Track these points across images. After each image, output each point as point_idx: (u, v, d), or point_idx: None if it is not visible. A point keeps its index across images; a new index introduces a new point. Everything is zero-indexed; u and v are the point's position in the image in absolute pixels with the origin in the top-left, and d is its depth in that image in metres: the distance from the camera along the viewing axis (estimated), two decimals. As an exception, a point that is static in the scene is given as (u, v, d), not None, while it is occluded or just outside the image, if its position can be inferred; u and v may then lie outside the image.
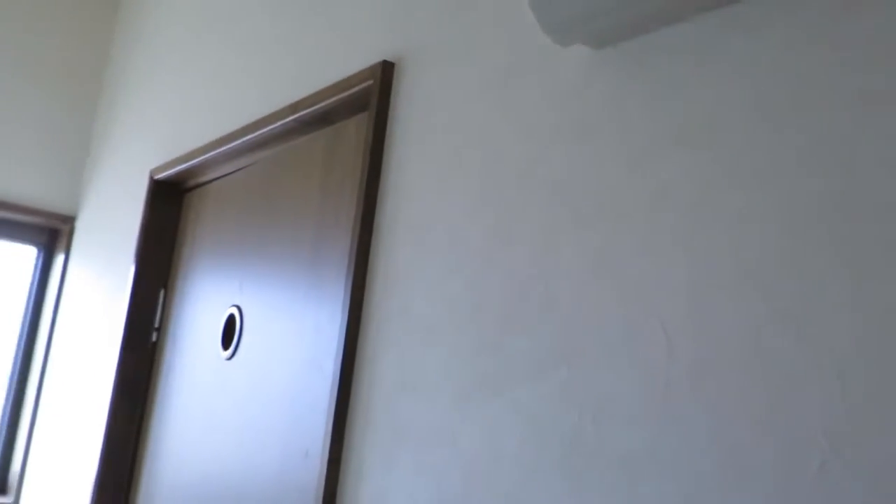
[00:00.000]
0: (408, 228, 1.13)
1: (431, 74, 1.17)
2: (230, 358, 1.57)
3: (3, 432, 2.55)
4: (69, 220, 2.60)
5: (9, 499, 2.45)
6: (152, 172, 2.00)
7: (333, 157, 1.41)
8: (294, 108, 1.46)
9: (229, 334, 1.60)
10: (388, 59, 1.26)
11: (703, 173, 0.77)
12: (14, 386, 2.59)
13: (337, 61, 1.40)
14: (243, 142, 1.63)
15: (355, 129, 1.36)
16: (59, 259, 2.61)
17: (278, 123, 1.51)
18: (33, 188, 2.56)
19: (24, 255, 2.65)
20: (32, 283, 2.64)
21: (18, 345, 2.61)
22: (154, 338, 1.94)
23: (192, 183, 1.94)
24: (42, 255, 2.67)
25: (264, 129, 1.55)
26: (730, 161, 0.75)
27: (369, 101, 1.29)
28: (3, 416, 2.57)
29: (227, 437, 1.50)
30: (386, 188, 1.20)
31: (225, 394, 1.55)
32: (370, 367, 1.13)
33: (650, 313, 0.78)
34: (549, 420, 0.86)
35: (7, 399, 2.58)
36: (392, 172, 1.20)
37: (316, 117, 1.44)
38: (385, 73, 1.24)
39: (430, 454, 1.00)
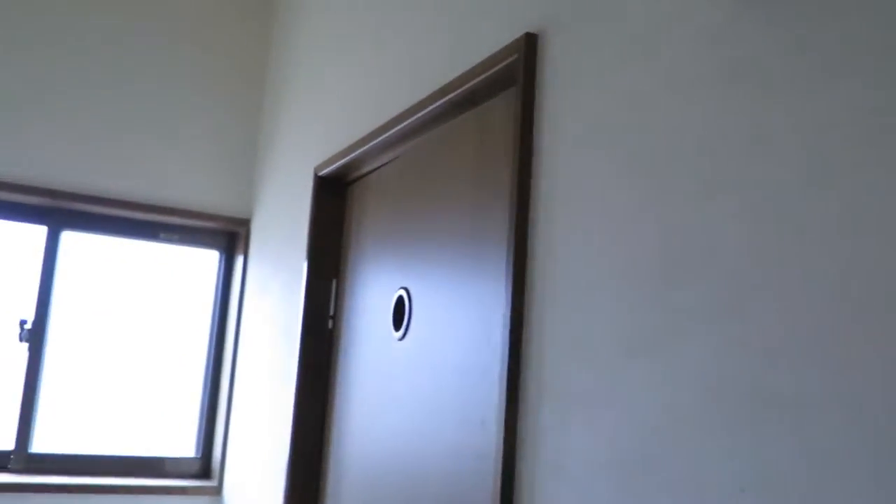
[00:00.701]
0: (565, 194, 1.14)
1: (575, 40, 1.17)
2: (402, 338, 1.64)
3: (204, 422, 2.79)
4: (245, 223, 2.79)
5: (213, 482, 2.68)
6: (316, 169, 2.11)
7: (483, 136, 1.44)
8: (443, 91, 1.50)
9: (399, 315, 1.67)
10: (531, 30, 1.27)
11: (865, 103, 0.73)
12: (209, 380, 2.82)
13: (480, 40, 1.42)
14: (397, 130, 1.69)
15: (504, 106, 1.38)
16: (239, 260, 2.81)
17: (428, 109, 1.55)
18: (211, 196, 2.77)
19: (208, 259, 2.88)
20: (217, 284, 2.87)
21: (210, 342, 2.84)
22: (330, 325, 2.05)
23: (353, 176, 2.03)
24: (224, 257, 2.88)
25: (415, 116, 1.60)
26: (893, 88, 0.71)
27: (515, 75, 1.31)
28: (202, 407, 2.80)
29: (403, 412, 1.57)
30: (539, 159, 1.22)
31: (399, 372, 1.63)
32: (538, 334, 1.15)
33: (823, 255, 0.76)
34: (723, 372, 0.85)
35: (204, 392, 2.81)
36: (545, 142, 1.21)
37: (463, 99, 1.47)
38: (529, 46, 1.26)
39: (604, 415, 1.01)
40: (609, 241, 1.04)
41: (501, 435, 1.17)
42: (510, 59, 1.30)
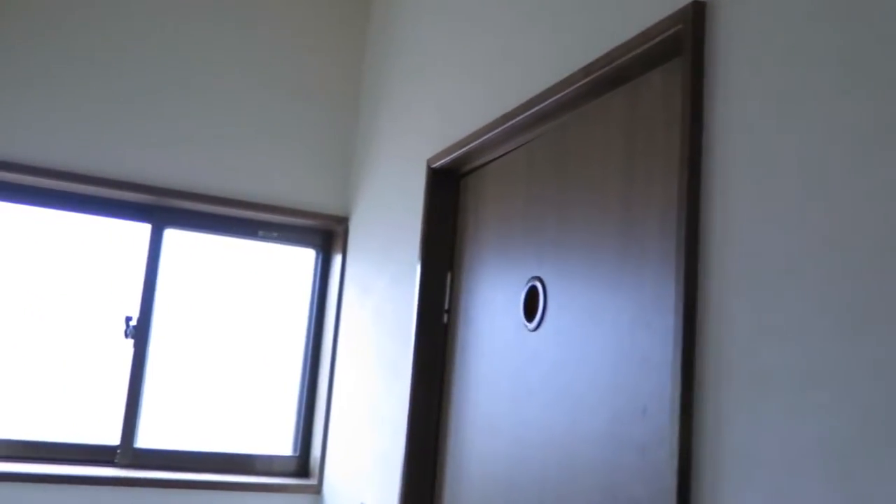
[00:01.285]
0: (748, 166, 1.08)
1: (747, 4, 1.11)
2: (535, 329, 1.58)
3: (301, 420, 2.77)
4: (343, 221, 2.78)
5: (313, 480, 2.65)
6: (429, 162, 2.08)
7: (635, 114, 1.38)
8: (587, 70, 1.45)
9: (532, 306, 1.61)
10: (698, -1, 1.21)
11: None
12: (307, 378, 2.80)
13: (634, 13, 1.37)
14: (527, 116, 1.65)
15: (661, 81, 1.33)
16: (337, 258, 2.79)
17: (569, 90, 1.50)
18: (309, 194, 2.76)
19: (304, 257, 2.87)
20: (314, 282, 2.86)
21: (307, 340, 2.82)
22: (445, 319, 2.01)
23: (469, 167, 1.99)
24: (320, 255, 2.87)
25: (551, 99, 1.56)
26: None
27: (679, 47, 1.26)
28: (299, 405, 2.79)
29: (540, 404, 1.52)
30: (712, 132, 1.15)
31: (533, 364, 1.57)
32: (717, 316, 1.09)
33: None
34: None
35: (301, 390, 2.80)
36: (717, 114, 1.15)
37: (611, 76, 1.42)
38: (696, 15, 1.20)
39: (809, 396, 0.94)
40: (806, 212, 0.98)
41: (676, 423, 1.10)
42: (672, 31, 1.24)
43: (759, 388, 1.00)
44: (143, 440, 2.60)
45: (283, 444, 2.77)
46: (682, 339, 1.12)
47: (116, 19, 2.59)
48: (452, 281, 2.02)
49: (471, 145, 1.86)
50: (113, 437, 2.57)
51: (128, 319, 2.61)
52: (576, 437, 1.40)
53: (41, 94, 2.48)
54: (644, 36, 1.30)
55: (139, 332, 2.61)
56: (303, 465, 2.75)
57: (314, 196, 2.77)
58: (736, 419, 1.03)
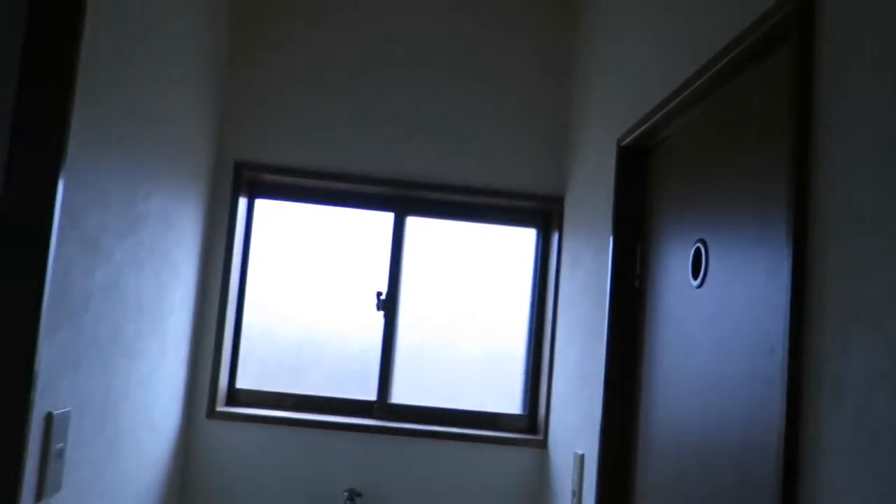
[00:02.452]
0: (856, 141, 1.19)
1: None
2: (699, 286, 1.74)
3: (528, 382, 3.08)
4: (559, 201, 3.04)
5: (539, 436, 2.95)
6: (618, 140, 2.27)
7: (766, 93, 1.50)
8: (725, 50, 1.58)
9: (696, 265, 1.77)
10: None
11: None
12: (532, 344, 3.10)
13: (762, -7, 1.49)
14: (689, 93, 1.79)
15: (786, 62, 1.44)
16: (555, 235, 3.06)
17: (713, 69, 1.64)
18: (528, 178, 3.05)
19: (526, 236, 3.17)
20: (535, 258, 3.15)
21: (531, 310, 3.12)
22: (636, 284, 2.20)
23: (653, 142, 2.16)
24: (540, 234, 3.16)
25: (703, 78, 1.70)
26: None
27: (800, 25, 1.37)
28: (525, 369, 3.10)
29: (701, 352, 1.68)
30: (821, 106, 1.26)
31: (696, 318, 1.73)
32: (822, 266, 1.21)
33: None
34: None
35: (527, 355, 3.11)
36: (827, 92, 1.26)
37: (745, 54, 1.54)
38: (806, -11, 1.31)
39: (887, 328, 1.05)
40: None
41: (786, 358, 1.24)
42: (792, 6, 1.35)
43: (850, 324, 1.12)
44: (396, 397, 3.07)
45: (512, 404, 3.10)
46: (791, 287, 1.25)
47: (358, 37, 3.07)
48: (642, 249, 2.20)
49: (650, 122, 2.03)
50: (371, 394, 3.07)
51: (378, 294, 3.08)
52: (724, 376, 1.55)
53: (307, 112, 3.02)
54: (766, 15, 1.42)
55: (388, 305, 3.08)
56: (531, 422, 3.06)
57: (533, 179, 3.06)
58: (831, 352, 1.16)
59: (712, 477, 1.57)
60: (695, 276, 1.78)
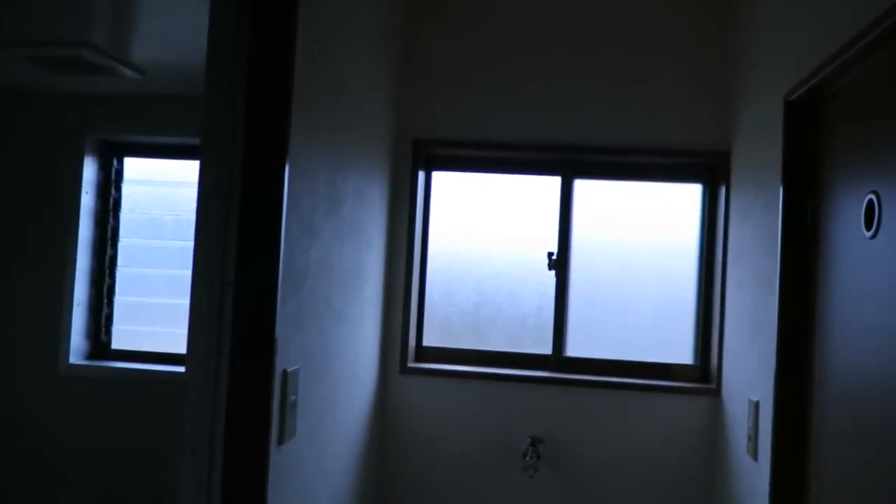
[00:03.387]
0: None
1: None
2: (873, 237, 1.79)
3: (699, 333, 3.16)
4: (725, 156, 3.07)
5: (712, 385, 3.04)
6: (785, 95, 2.30)
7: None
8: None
9: (870, 216, 1.81)
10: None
11: None
12: (701, 296, 3.18)
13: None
14: (872, 38, 1.80)
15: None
16: (721, 190, 3.10)
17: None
18: (692, 134, 3.10)
19: (692, 193, 3.23)
20: (702, 213, 3.20)
21: (699, 263, 3.19)
22: (808, 235, 2.24)
23: (822, 95, 2.18)
24: (706, 189, 3.20)
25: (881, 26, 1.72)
26: None
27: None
28: (696, 320, 3.18)
29: (873, 300, 1.73)
30: None
31: (869, 267, 1.78)
32: None
33: None
34: None
35: (698, 307, 3.19)
36: None
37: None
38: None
39: None
40: None
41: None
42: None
43: None
44: (570, 350, 3.25)
45: (684, 355, 3.20)
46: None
47: (526, 27, 3.21)
48: (812, 202, 2.24)
49: (821, 76, 2.06)
50: (546, 349, 3.26)
51: (550, 255, 3.26)
52: (893, 322, 1.61)
53: (474, 87, 3.21)
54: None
55: (559, 264, 3.25)
56: (703, 371, 3.15)
57: (698, 136, 3.11)
58: None
59: (891, 425, 1.64)
60: (868, 227, 1.82)
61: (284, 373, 1.97)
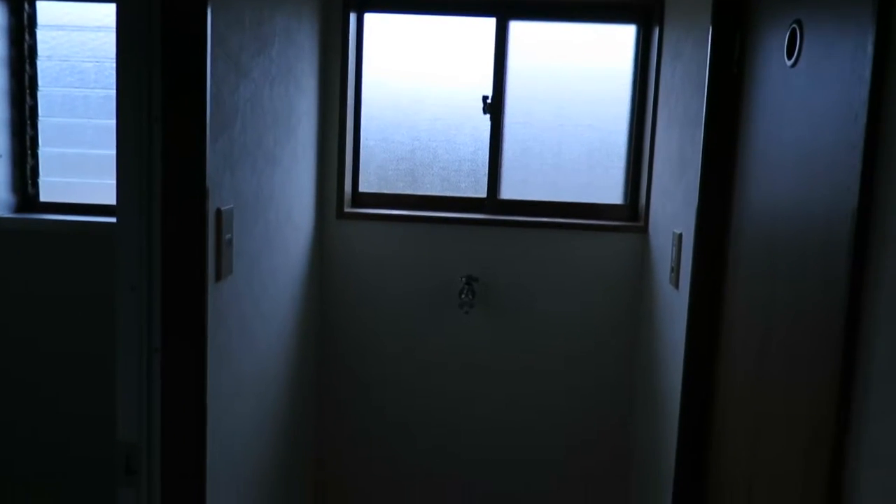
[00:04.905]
0: None
1: None
2: (793, 65, 1.84)
3: (629, 175, 3.25)
4: (658, -5, 3.06)
5: (640, 223, 3.16)
6: (717, -74, 2.27)
7: None
8: None
9: (791, 45, 1.85)
10: None
11: None
12: (632, 138, 3.24)
13: None
14: None
15: None
16: (655, 31, 3.10)
17: None
18: (627, -27, 3.06)
19: (626, 34, 3.22)
20: (636, 54, 3.22)
21: (631, 105, 3.24)
22: (735, 70, 2.29)
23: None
24: (640, 31, 3.20)
25: None
26: None
27: None
28: (627, 163, 3.25)
29: (791, 127, 1.81)
30: None
31: (789, 95, 1.84)
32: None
33: None
34: None
35: (628, 149, 3.25)
36: None
37: None
38: None
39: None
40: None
41: (866, 123, 1.37)
42: None
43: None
44: (504, 193, 3.31)
45: (615, 195, 3.30)
46: (873, 56, 1.36)
47: None
48: (740, 37, 2.26)
49: None
50: (481, 192, 3.32)
51: (485, 98, 3.25)
52: (814, 148, 1.68)
53: (402, -81, 3.08)
54: None
55: (494, 109, 3.25)
56: (632, 210, 3.26)
57: (631, -26, 3.07)
58: (908, 113, 1.28)
59: (799, 243, 1.74)
60: (789, 56, 1.86)
61: (218, 211, 1.98)
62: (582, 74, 3.25)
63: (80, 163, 3.47)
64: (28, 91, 3.44)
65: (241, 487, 2.30)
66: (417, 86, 3.30)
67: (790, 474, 1.64)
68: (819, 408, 1.46)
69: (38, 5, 3.54)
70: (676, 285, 2.57)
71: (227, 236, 2.05)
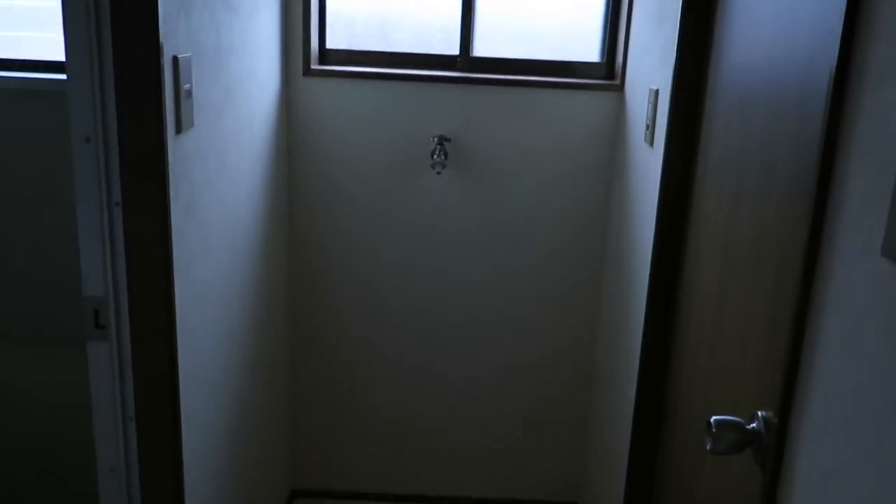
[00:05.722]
0: None
1: None
2: None
3: (607, 34, 3.14)
4: None
5: (616, 81, 3.08)
6: None
7: None
8: None
9: None
10: None
11: None
12: (612, -8, 3.10)
13: None
14: None
15: None
16: None
17: None
18: None
19: None
20: None
21: (612, -44, 3.08)
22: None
23: None
24: None
25: None
26: None
27: None
28: (605, 18, 3.14)
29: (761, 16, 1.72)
30: None
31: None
32: None
33: None
34: None
35: (606, 6, 3.13)
36: None
37: None
38: None
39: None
40: None
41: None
42: None
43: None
44: (478, 50, 3.20)
45: (592, 53, 3.20)
46: None
47: None
48: None
49: None
50: (454, 49, 3.20)
51: (457, -53, 3.08)
52: (794, 17, 1.61)
53: None
54: None
55: (467, -42, 3.09)
56: (609, 69, 3.18)
57: None
58: None
59: (776, 96, 1.69)
60: None
61: (175, 58, 1.88)
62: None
63: (26, 15, 3.28)
64: (-33, -64, 3.20)
65: (214, 340, 2.31)
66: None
67: (756, 307, 1.67)
68: (790, 251, 1.46)
69: None
70: (651, 143, 2.53)
71: (186, 86, 1.95)
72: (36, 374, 3.16)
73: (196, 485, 2.15)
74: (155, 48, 1.72)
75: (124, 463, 1.96)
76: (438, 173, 3.10)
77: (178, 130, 1.92)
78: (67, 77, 1.72)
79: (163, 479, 1.99)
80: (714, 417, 1.54)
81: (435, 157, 3.08)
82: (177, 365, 1.93)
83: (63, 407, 2.98)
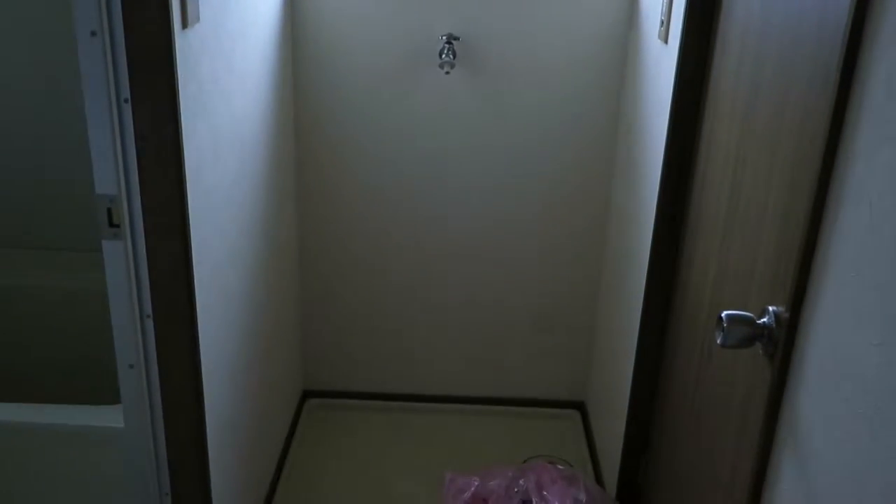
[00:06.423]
0: None
1: None
2: None
3: None
4: None
5: (630, -23, 2.98)
6: None
7: None
8: None
9: None
10: None
11: None
12: None
13: None
14: None
15: None
16: None
17: None
18: None
19: None
20: None
21: None
22: None
23: None
24: None
25: None
26: None
27: None
28: None
29: None
30: None
31: None
32: None
33: None
34: None
35: None
36: None
37: None
38: None
39: None
40: None
41: None
42: None
43: None
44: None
45: (605, -54, 3.09)
46: None
47: None
48: None
49: None
50: (463, -58, 3.09)
51: None
52: None
53: None
54: None
55: None
56: (623, -36, 3.07)
57: None
58: None
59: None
60: None
61: (177, -52, 1.82)
62: None
63: None
64: None
65: (225, 238, 2.32)
66: None
67: (770, 203, 1.66)
68: (808, 143, 1.45)
69: None
70: (665, 40, 2.47)
71: (190, -23, 1.90)
72: (60, 280, 3.22)
73: (212, 380, 2.20)
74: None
75: (143, 359, 2.00)
76: (447, 73, 3.04)
77: (185, 25, 1.88)
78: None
79: (181, 375, 2.03)
80: (725, 312, 1.56)
81: (443, 56, 3.02)
82: (191, 262, 1.94)
83: (85, 306, 3.05)
